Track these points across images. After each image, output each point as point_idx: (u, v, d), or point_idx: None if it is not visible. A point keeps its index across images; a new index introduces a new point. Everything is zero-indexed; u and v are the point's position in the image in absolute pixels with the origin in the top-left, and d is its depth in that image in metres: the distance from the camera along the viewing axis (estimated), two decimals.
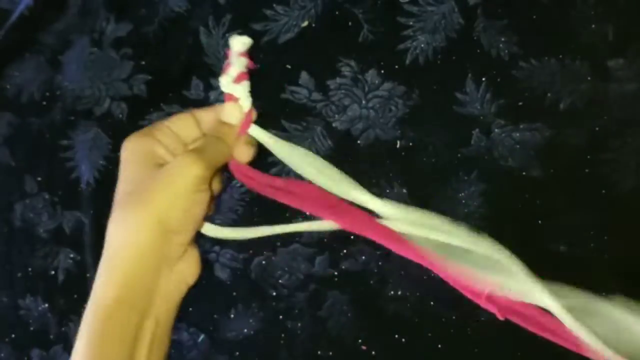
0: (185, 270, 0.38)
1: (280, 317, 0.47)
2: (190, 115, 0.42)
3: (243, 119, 0.43)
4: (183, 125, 0.41)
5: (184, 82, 0.51)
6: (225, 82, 0.44)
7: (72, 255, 0.52)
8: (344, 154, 0.47)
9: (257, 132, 0.45)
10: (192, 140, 0.42)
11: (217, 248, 0.49)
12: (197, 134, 0.42)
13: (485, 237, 0.41)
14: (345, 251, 0.46)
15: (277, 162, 0.47)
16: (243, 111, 0.43)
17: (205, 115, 0.43)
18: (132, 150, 0.38)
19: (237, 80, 0.44)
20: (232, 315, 0.48)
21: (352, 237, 0.45)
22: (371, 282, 0.45)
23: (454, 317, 0.43)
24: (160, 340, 0.36)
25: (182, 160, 0.36)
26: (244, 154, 0.43)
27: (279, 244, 0.47)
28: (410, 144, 0.46)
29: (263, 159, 0.48)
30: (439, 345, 0.43)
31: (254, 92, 0.49)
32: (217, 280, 0.48)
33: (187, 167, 0.36)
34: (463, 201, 0.44)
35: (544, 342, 0.39)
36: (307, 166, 0.44)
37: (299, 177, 0.47)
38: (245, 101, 0.44)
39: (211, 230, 0.44)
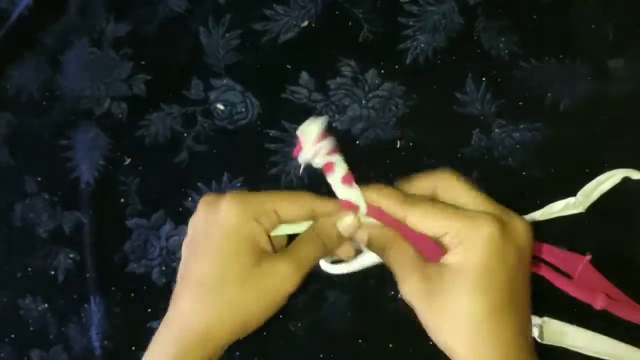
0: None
1: (280, 317, 0.46)
2: (304, 204, 0.36)
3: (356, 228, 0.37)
4: (291, 210, 0.36)
5: (184, 82, 0.51)
6: (339, 187, 0.36)
7: (72, 255, 0.52)
8: (344, 154, 0.47)
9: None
10: (289, 218, 0.36)
11: None
12: (302, 218, 0.37)
13: None
14: None
15: (278, 162, 0.48)
16: (359, 223, 0.36)
17: (322, 209, 0.36)
18: (233, 222, 0.34)
19: (345, 181, 0.36)
20: None
21: None
22: (371, 282, 0.45)
23: None
24: None
25: (282, 268, 0.34)
26: (345, 254, 0.39)
27: None
28: (410, 144, 0.46)
29: (264, 159, 0.48)
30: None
31: (255, 92, 0.49)
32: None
33: (285, 279, 0.33)
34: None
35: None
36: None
37: (300, 177, 0.47)
38: (361, 206, 0.36)
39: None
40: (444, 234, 0.32)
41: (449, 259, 0.32)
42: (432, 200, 0.34)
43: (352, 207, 0.36)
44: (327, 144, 0.35)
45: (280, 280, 0.34)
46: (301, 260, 0.35)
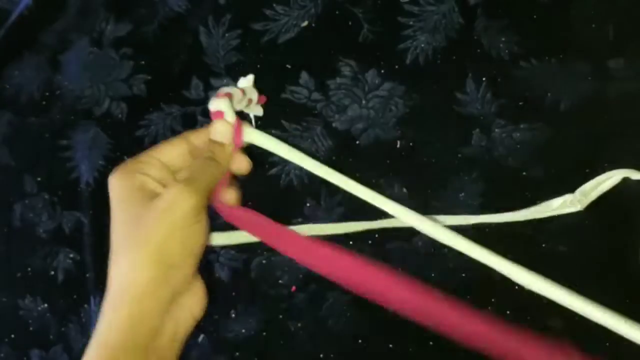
0: (191, 304, 0.36)
1: (280, 317, 0.46)
2: (180, 141, 0.39)
3: (233, 133, 0.40)
4: (171, 153, 0.38)
5: (183, 82, 0.51)
6: (210, 102, 0.41)
7: (71, 255, 0.52)
8: (344, 154, 0.47)
9: (254, 137, 0.42)
10: (183, 168, 0.39)
11: (217, 248, 0.48)
12: (188, 160, 0.39)
13: None
14: None
15: (278, 162, 0.48)
16: (231, 125, 0.40)
17: (196, 138, 0.40)
18: (119, 187, 0.36)
19: (219, 96, 0.41)
20: (232, 315, 0.48)
21: (351, 238, 0.45)
22: None
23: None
24: None
25: (174, 192, 0.34)
26: (241, 166, 0.41)
27: None
28: (410, 144, 0.46)
29: (264, 159, 0.48)
30: (439, 345, 0.43)
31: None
32: (217, 280, 0.48)
33: (181, 200, 0.34)
34: (463, 201, 0.44)
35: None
36: (307, 162, 0.42)
37: (300, 177, 0.47)
38: (229, 115, 0.40)
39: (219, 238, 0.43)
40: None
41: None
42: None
43: (220, 115, 0.39)
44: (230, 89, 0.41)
45: (171, 198, 0.34)
46: (192, 180, 0.35)
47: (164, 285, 0.34)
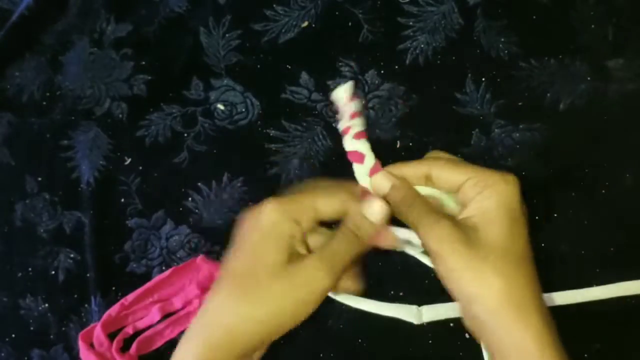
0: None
1: None
2: (342, 194, 0.37)
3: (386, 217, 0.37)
4: (329, 206, 0.37)
5: (184, 82, 0.51)
6: (349, 143, 0.39)
7: (72, 255, 0.52)
8: (344, 154, 0.47)
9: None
10: (328, 216, 0.37)
11: (217, 248, 0.49)
12: (340, 214, 0.37)
13: None
14: None
15: (277, 162, 0.48)
16: (386, 208, 0.37)
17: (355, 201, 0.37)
18: (270, 224, 0.35)
19: (357, 137, 0.39)
20: None
21: None
22: (371, 282, 0.45)
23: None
24: None
25: (314, 266, 0.34)
26: (387, 242, 0.38)
27: None
28: (410, 144, 0.46)
29: (264, 159, 0.48)
30: (439, 345, 0.43)
31: (255, 92, 0.49)
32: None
33: (319, 281, 0.33)
34: None
35: None
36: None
37: (300, 177, 0.47)
38: (368, 157, 0.38)
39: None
40: (465, 180, 0.35)
41: (474, 206, 0.34)
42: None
43: (359, 159, 0.38)
44: (352, 106, 0.39)
45: (311, 276, 0.34)
46: (332, 256, 0.35)
47: (259, 341, 0.34)
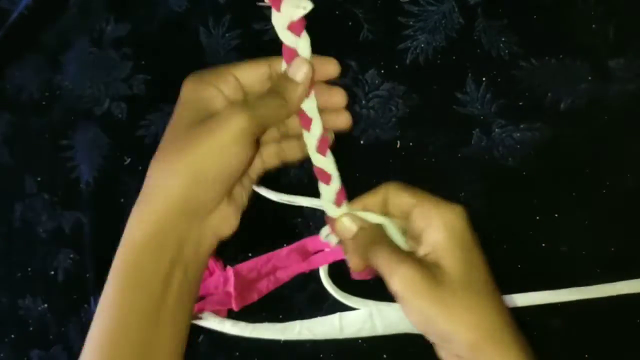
0: (218, 224, 0.36)
1: (280, 317, 0.46)
2: (262, 64, 0.38)
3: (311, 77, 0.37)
4: (249, 74, 0.37)
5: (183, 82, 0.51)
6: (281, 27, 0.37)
7: (71, 255, 0.52)
8: (344, 154, 0.47)
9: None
10: (258, 92, 0.37)
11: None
12: (266, 86, 0.37)
13: None
14: None
15: None
16: (310, 68, 0.37)
17: (277, 62, 0.38)
18: (188, 93, 0.36)
19: (293, 27, 0.36)
20: (232, 315, 0.48)
21: None
22: (371, 281, 0.45)
23: None
24: (189, 289, 0.35)
25: (228, 110, 0.34)
26: (339, 122, 0.39)
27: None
28: (410, 144, 0.46)
29: None
30: None
31: None
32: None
33: (231, 119, 0.33)
34: (463, 201, 0.44)
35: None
36: None
37: (299, 177, 0.47)
38: (305, 51, 0.37)
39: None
40: (415, 204, 0.35)
41: (428, 240, 0.34)
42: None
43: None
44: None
45: (224, 119, 0.34)
46: (253, 105, 0.35)
47: (194, 196, 0.34)
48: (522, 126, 0.44)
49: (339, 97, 0.39)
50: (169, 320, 0.34)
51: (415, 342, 0.43)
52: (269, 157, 0.40)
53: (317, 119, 0.37)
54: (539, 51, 0.44)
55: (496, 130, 0.44)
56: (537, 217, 0.43)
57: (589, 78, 0.43)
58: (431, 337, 0.34)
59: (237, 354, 0.47)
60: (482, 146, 0.44)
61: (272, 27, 0.37)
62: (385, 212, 0.37)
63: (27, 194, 0.54)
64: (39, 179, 0.54)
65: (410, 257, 0.34)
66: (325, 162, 0.38)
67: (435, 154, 0.45)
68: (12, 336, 0.53)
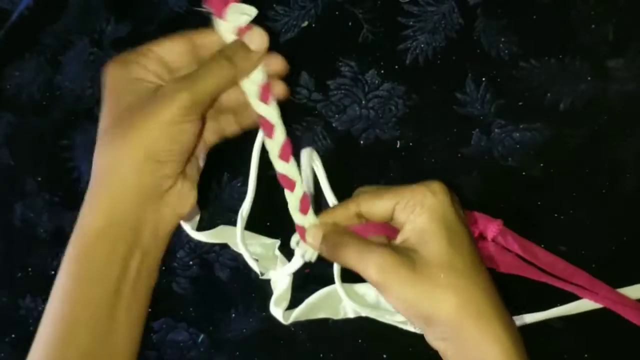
0: (176, 202, 0.35)
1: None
2: (181, 39, 0.37)
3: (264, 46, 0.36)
4: (171, 50, 0.36)
5: None
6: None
7: None
8: (344, 154, 0.47)
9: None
10: (182, 67, 0.36)
11: (217, 248, 0.49)
12: (188, 60, 0.37)
13: None
14: None
15: None
16: (266, 38, 0.36)
17: (201, 39, 0.37)
18: (115, 75, 0.35)
19: (241, 32, 0.36)
20: (232, 315, 0.48)
21: None
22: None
23: None
24: (147, 274, 0.35)
25: (168, 88, 0.33)
26: (277, 66, 0.38)
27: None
28: (410, 144, 0.46)
29: (264, 159, 0.47)
30: None
31: None
32: (217, 280, 0.48)
33: (175, 96, 0.32)
34: (463, 201, 0.44)
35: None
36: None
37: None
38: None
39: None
40: (394, 206, 0.34)
41: (408, 227, 0.34)
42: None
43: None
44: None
45: (167, 94, 0.33)
46: (192, 75, 0.34)
47: (147, 177, 0.33)
48: (522, 126, 0.44)
49: (277, 64, 0.38)
50: (124, 310, 0.33)
51: (416, 342, 0.43)
52: (209, 134, 0.39)
53: (280, 126, 0.37)
54: (538, 51, 0.44)
55: (496, 130, 0.44)
56: (537, 217, 0.43)
57: (589, 78, 0.43)
58: (416, 322, 0.34)
59: (237, 354, 0.47)
60: (482, 146, 0.44)
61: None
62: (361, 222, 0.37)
63: (27, 194, 0.54)
64: (39, 179, 0.54)
65: (382, 245, 0.34)
66: (288, 168, 0.37)
67: (435, 154, 0.45)
68: (13, 336, 0.53)
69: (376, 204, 0.35)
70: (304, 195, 0.38)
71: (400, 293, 0.32)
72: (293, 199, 0.38)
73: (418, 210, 0.33)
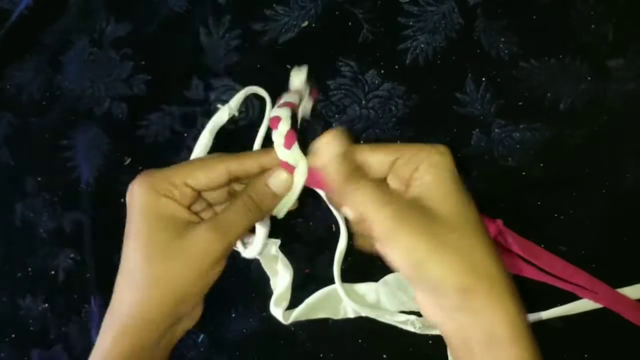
0: (188, 321, 0.37)
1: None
2: (217, 167, 0.35)
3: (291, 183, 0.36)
4: (205, 180, 0.35)
5: (184, 82, 0.51)
6: (279, 148, 0.35)
7: (72, 255, 0.52)
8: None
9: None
10: (215, 198, 0.37)
11: None
12: (221, 192, 0.37)
13: None
14: None
15: None
16: (291, 178, 0.36)
17: (239, 166, 0.36)
18: (145, 206, 0.34)
19: (287, 141, 0.35)
20: (232, 315, 0.48)
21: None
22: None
23: None
24: None
25: (202, 237, 0.33)
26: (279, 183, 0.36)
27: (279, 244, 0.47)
28: None
29: None
30: (439, 344, 0.43)
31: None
32: (217, 280, 0.48)
33: (207, 249, 0.33)
34: None
35: None
36: None
37: None
38: (301, 167, 0.35)
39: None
40: (395, 159, 0.33)
41: (417, 183, 0.32)
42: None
43: (290, 169, 0.35)
44: (290, 96, 0.36)
45: (203, 246, 0.33)
46: (224, 223, 0.34)
47: (171, 317, 0.34)
48: (521, 126, 0.44)
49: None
50: None
51: (416, 342, 0.43)
52: None
53: (303, 162, 0.35)
54: (538, 51, 0.44)
55: (496, 130, 0.44)
56: (537, 217, 0.43)
57: (589, 78, 0.43)
58: (419, 285, 0.31)
59: (237, 354, 0.47)
60: (482, 146, 0.44)
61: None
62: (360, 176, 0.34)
63: (27, 194, 0.54)
64: (39, 179, 0.54)
65: (400, 199, 0.32)
66: (288, 155, 0.35)
67: None
68: (13, 336, 0.53)
69: (376, 155, 0.34)
70: (289, 131, 0.36)
71: (410, 246, 0.30)
72: (277, 137, 0.36)
73: (424, 168, 0.32)
